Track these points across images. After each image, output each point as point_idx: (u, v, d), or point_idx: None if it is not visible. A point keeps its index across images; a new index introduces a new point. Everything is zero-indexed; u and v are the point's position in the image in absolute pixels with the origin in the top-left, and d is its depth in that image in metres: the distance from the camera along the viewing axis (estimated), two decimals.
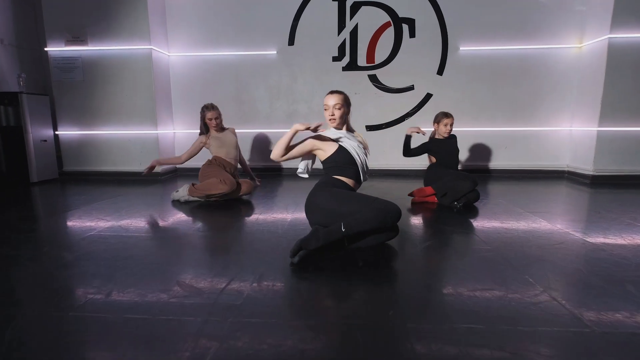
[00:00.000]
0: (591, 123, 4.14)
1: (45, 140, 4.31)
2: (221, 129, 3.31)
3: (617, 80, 3.94)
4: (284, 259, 1.79)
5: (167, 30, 4.65)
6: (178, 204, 3.07)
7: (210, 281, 1.54)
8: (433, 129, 3.28)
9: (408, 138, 3.20)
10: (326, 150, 2.08)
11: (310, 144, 2.08)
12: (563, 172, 4.58)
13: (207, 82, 4.75)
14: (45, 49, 4.34)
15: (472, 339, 1.12)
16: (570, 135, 4.53)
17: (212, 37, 4.64)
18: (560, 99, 4.48)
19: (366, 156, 2.15)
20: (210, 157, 3.29)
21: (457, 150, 3.23)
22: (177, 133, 4.90)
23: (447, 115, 3.18)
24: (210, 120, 3.20)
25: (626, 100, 3.97)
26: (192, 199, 3.09)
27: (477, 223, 2.47)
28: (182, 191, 3.13)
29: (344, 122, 2.14)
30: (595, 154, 4.10)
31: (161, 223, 2.49)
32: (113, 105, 4.43)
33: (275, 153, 2.03)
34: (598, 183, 4.04)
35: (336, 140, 2.08)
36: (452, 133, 3.22)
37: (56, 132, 4.50)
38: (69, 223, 2.48)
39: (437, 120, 3.22)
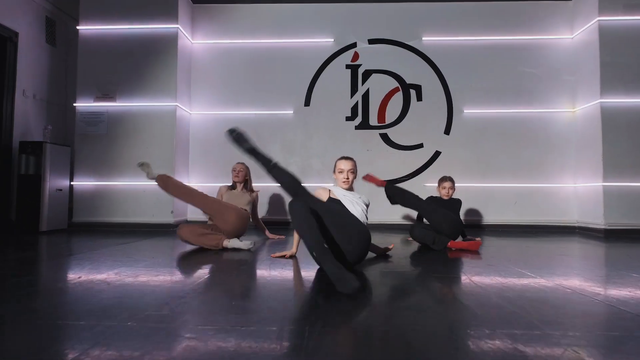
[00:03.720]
0: (596, 179, 4.33)
1: (61, 190, 4.30)
2: (243, 187, 3.57)
3: (614, 139, 4.23)
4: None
5: (191, 91, 4.97)
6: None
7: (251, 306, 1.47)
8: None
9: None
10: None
11: (319, 197, 2.38)
12: (574, 227, 4.64)
13: (225, 138, 4.93)
14: (74, 104, 4.56)
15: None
16: (575, 191, 4.70)
17: (232, 97, 4.96)
18: (560, 158, 4.74)
19: (365, 211, 2.41)
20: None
21: (457, 214, 3.39)
22: (192, 186, 4.93)
23: (444, 179, 3.44)
24: (233, 171, 3.57)
25: (626, 157, 4.21)
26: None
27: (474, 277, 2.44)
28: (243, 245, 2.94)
29: (352, 183, 2.46)
30: (605, 208, 4.21)
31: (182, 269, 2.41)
32: (132, 157, 4.51)
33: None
34: (612, 236, 4.08)
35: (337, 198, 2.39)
36: (456, 197, 3.46)
37: (71, 183, 4.51)
38: (71, 273, 2.38)
39: (438, 182, 3.50)
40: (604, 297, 1.61)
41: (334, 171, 2.49)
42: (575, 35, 4.73)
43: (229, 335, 1.13)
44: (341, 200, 2.34)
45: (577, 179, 4.69)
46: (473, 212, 4.73)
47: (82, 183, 4.52)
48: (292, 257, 2.56)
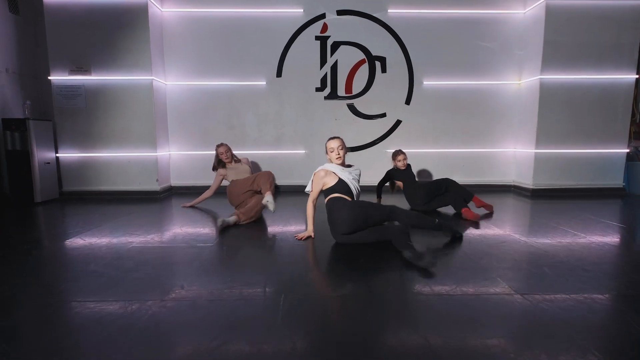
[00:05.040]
0: (530, 145, 5.04)
1: (49, 163, 4.58)
2: (234, 160, 3.90)
3: (547, 112, 4.87)
4: (302, 259, 2.34)
5: (164, 61, 5.10)
6: (203, 222, 3.52)
7: (254, 275, 2.06)
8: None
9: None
10: (329, 183, 2.74)
11: (320, 180, 2.73)
12: (510, 186, 5.45)
13: (201, 108, 5.22)
14: (49, 77, 4.65)
15: (443, 300, 1.74)
16: (514, 155, 5.43)
17: (206, 67, 5.14)
18: (505, 125, 5.38)
19: (358, 182, 2.81)
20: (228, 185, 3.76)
21: (414, 177, 4.08)
22: (172, 155, 5.30)
23: (399, 152, 4.02)
24: (222, 154, 3.83)
25: (556, 128, 4.90)
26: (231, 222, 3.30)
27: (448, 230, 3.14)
28: (231, 219, 3.28)
29: (344, 159, 2.80)
30: (534, 171, 4.98)
31: (186, 235, 2.95)
32: (114, 130, 4.78)
33: (310, 210, 2.82)
34: (537, 195, 4.91)
35: (338, 176, 2.74)
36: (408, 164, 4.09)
37: (57, 155, 4.76)
38: (106, 238, 2.88)
39: (393, 156, 4.06)
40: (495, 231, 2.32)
41: (326, 152, 2.80)
42: (527, 11, 5.10)
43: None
44: (345, 181, 2.69)
45: (516, 145, 5.39)
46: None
47: (68, 155, 4.79)
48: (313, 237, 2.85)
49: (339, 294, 1.84)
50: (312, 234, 2.84)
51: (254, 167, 5.32)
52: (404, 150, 4.09)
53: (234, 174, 3.82)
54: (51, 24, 4.57)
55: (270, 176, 3.43)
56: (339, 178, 2.71)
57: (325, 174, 2.74)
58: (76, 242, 2.80)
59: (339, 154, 2.75)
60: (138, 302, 1.74)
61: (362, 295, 1.81)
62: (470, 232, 3.00)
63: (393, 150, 4.13)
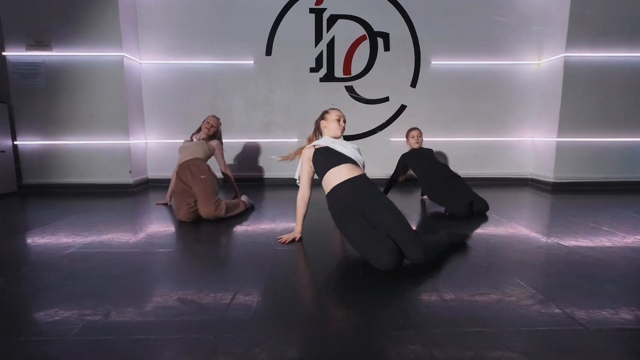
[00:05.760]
0: (551, 134, 4.47)
1: (4, 151, 4.01)
2: (208, 137, 3.24)
3: (572, 95, 4.29)
4: (282, 271, 1.79)
5: (138, 36, 4.50)
6: (167, 219, 2.96)
7: (213, 297, 1.50)
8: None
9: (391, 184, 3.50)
10: (311, 162, 2.22)
11: (307, 162, 2.23)
12: (527, 179, 4.89)
13: (182, 90, 4.64)
14: (3, 53, 4.06)
15: (483, 342, 1.18)
16: (532, 145, 4.86)
17: (186, 44, 4.55)
18: (523, 111, 4.80)
19: (358, 151, 2.24)
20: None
21: (432, 160, 3.40)
22: (149, 143, 4.73)
23: (412, 129, 3.51)
24: (206, 124, 3.21)
25: (581, 114, 4.33)
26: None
27: (463, 230, 2.58)
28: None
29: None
30: (556, 162, 4.42)
31: (145, 237, 2.38)
32: (80, 114, 4.20)
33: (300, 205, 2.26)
34: (558, 190, 4.36)
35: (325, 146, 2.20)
36: (426, 147, 3.55)
37: (15, 142, 4.19)
38: (43, 240, 2.32)
39: (407, 134, 3.55)
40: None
41: (327, 119, 2.28)
42: None
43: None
44: (329, 146, 2.16)
45: (535, 133, 4.82)
46: None
47: (27, 143, 4.21)
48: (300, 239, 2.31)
49: (327, 328, 1.29)
50: (299, 236, 2.28)
51: (245, 155, 4.75)
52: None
53: (184, 152, 3.03)
54: None
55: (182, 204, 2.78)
56: (314, 149, 2.20)
57: (305, 153, 2.24)
58: (6, 244, 2.24)
59: (344, 123, 2.29)
60: (34, 342, 1.18)
61: (356, 330, 1.26)
62: (496, 235, 2.44)
63: (395, 140, 3.55)
